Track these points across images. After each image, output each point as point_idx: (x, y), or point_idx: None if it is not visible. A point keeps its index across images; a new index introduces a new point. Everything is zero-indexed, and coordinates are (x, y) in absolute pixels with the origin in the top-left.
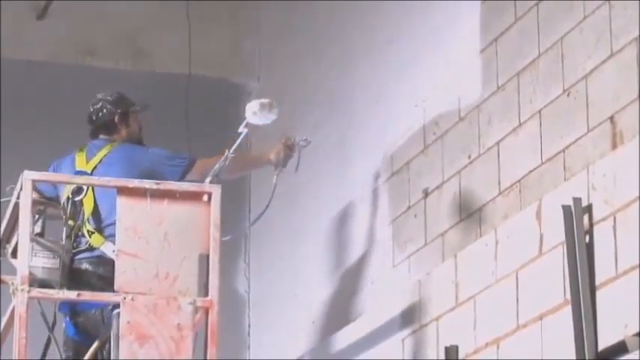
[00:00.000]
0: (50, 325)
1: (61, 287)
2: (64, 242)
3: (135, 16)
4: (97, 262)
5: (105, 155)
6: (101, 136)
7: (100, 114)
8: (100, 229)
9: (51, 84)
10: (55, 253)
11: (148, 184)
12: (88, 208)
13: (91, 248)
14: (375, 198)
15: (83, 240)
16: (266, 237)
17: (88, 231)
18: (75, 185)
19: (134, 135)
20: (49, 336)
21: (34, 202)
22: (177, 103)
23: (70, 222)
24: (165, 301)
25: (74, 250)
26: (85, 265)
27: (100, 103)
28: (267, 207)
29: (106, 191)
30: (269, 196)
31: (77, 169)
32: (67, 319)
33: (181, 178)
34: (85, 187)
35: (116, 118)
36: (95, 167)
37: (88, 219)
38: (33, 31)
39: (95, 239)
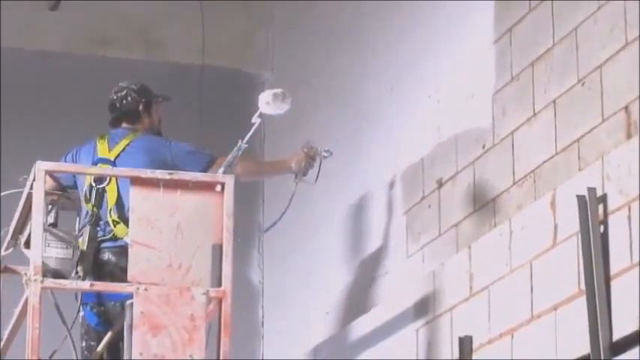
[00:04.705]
0: (76, 312)
1: (84, 276)
2: (88, 229)
3: (148, 6)
4: (119, 252)
5: (128, 144)
6: (124, 125)
7: (125, 102)
8: (124, 220)
9: (64, 75)
10: (68, 243)
11: (160, 174)
12: (111, 197)
13: (114, 238)
14: (389, 188)
15: (107, 229)
16: (280, 227)
17: (113, 220)
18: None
19: (155, 126)
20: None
21: (47, 193)
22: (190, 94)
23: (94, 209)
24: (178, 291)
25: (98, 239)
26: (107, 255)
27: (125, 91)
28: (282, 214)
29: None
30: (286, 203)
31: (99, 156)
32: (88, 308)
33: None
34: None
35: (140, 107)
36: (118, 155)
37: (111, 209)
38: (46, 22)
39: (119, 229)
